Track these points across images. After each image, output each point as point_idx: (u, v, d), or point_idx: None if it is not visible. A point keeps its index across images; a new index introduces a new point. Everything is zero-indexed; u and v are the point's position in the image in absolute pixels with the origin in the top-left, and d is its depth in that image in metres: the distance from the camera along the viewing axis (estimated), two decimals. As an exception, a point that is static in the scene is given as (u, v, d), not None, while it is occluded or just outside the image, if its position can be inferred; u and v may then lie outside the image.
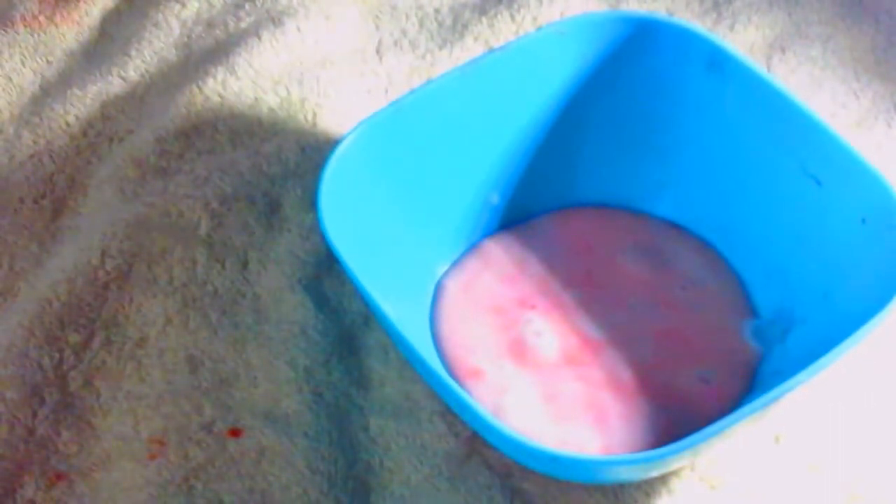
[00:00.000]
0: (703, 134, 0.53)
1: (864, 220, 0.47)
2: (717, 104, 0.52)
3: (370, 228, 0.49)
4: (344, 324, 0.52)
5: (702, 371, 0.49)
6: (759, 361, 0.50)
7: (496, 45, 0.60)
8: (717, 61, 0.51)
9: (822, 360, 0.43)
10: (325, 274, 0.53)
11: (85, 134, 0.59)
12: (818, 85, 0.59)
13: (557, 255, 0.53)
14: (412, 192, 0.51)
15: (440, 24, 0.62)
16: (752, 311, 0.51)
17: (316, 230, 0.54)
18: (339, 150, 0.49)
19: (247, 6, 0.63)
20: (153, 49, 0.62)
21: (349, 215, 0.48)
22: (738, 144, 0.52)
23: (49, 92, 0.61)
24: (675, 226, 0.54)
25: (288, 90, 0.59)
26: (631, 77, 0.53)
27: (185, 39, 0.62)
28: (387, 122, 0.50)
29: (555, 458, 0.44)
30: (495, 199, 0.53)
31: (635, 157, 0.54)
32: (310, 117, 0.58)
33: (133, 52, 0.62)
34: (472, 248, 0.53)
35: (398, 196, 0.51)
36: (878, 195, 0.47)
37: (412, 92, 0.51)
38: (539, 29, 0.55)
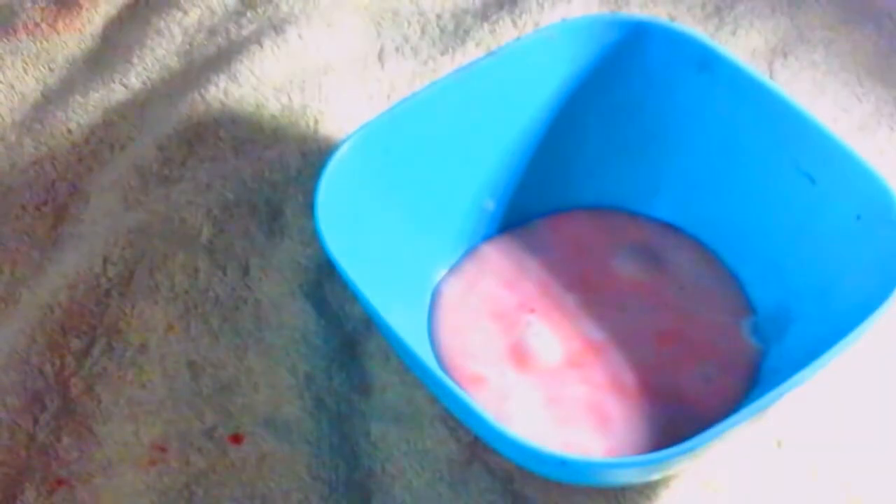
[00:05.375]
0: (697, 134, 0.53)
1: (858, 217, 0.47)
2: (709, 104, 0.52)
3: (367, 235, 0.49)
4: (345, 330, 0.52)
5: (703, 370, 0.49)
6: (759, 359, 0.49)
7: (497, 50, 0.60)
8: (708, 62, 0.51)
9: (823, 358, 0.43)
10: (326, 280, 0.53)
11: (87, 141, 0.59)
12: (820, 89, 0.59)
13: (555, 257, 0.53)
14: (409, 198, 0.51)
15: (442, 30, 0.62)
16: (750, 309, 0.51)
17: (317, 237, 0.54)
18: (335, 158, 0.49)
19: (248, 14, 0.63)
20: (155, 56, 0.62)
21: (346, 222, 0.48)
22: (731, 144, 0.52)
23: (51, 99, 0.61)
24: (670, 226, 0.54)
25: (290, 97, 0.59)
26: (623, 80, 0.53)
27: (187, 47, 0.62)
28: (381, 128, 0.50)
29: (560, 462, 0.44)
30: (491, 205, 0.53)
31: (630, 158, 0.54)
32: (311, 124, 0.58)
33: (135, 60, 0.62)
34: (469, 252, 0.53)
35: (395, 202, 0.51)
36: (872, 191, 0.47)
37: (405, 99, 0.51)
38: (528, 34, 0.55)
